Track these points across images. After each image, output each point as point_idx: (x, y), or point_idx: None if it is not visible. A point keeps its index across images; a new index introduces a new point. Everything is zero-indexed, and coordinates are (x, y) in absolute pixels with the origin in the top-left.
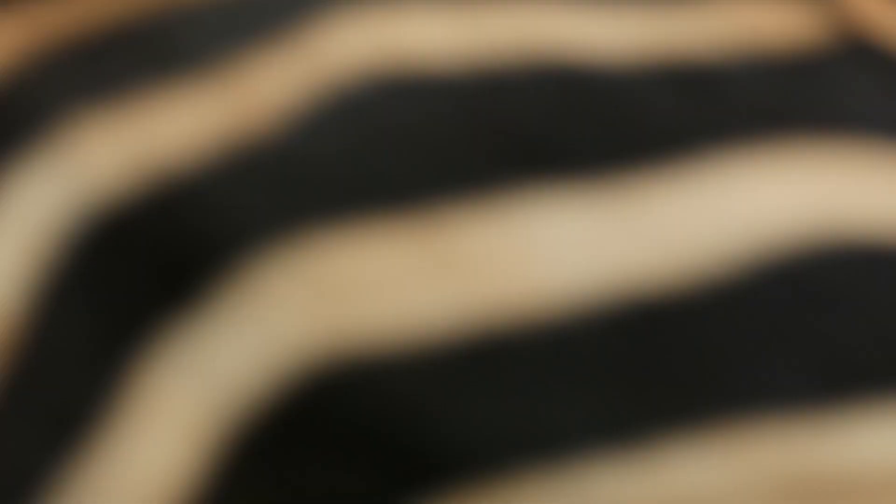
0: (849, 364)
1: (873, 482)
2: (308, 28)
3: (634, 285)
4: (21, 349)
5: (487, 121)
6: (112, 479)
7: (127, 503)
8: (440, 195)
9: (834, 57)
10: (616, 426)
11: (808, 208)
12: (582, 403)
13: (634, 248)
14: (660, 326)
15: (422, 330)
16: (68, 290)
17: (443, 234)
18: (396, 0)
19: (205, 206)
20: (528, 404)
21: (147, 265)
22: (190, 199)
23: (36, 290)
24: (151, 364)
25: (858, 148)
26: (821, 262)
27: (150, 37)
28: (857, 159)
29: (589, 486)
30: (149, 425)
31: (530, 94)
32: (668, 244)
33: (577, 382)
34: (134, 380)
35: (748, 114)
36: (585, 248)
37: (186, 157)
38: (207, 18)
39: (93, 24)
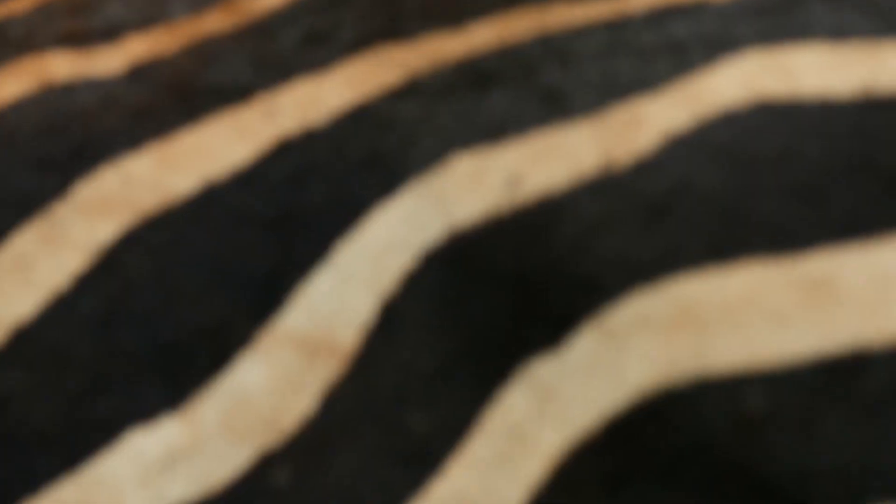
0: None
1: None
2: (695, 70)
3: None
4: (370, 357)
5: (864, 150)
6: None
7: None
8: (811, 227)
9: None
10: None
11: None
12: None
13: None
14: None
15: (787, 354)
16: (429, 311)
17: (812, 263)
18: (783, 39)
19: (581, 247)
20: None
21: (520, 300)
22: (566, 240)
23: (396, 307)
24: (519, 396)
25: None
26: None
27: (520, 77)
28: None
29: None
30: (508, 452)
31: None
32: None
33: None
34: (498, 408)
35: None
36: None
37: (559, 194)
38: (583, 62)
39: (449, 63)
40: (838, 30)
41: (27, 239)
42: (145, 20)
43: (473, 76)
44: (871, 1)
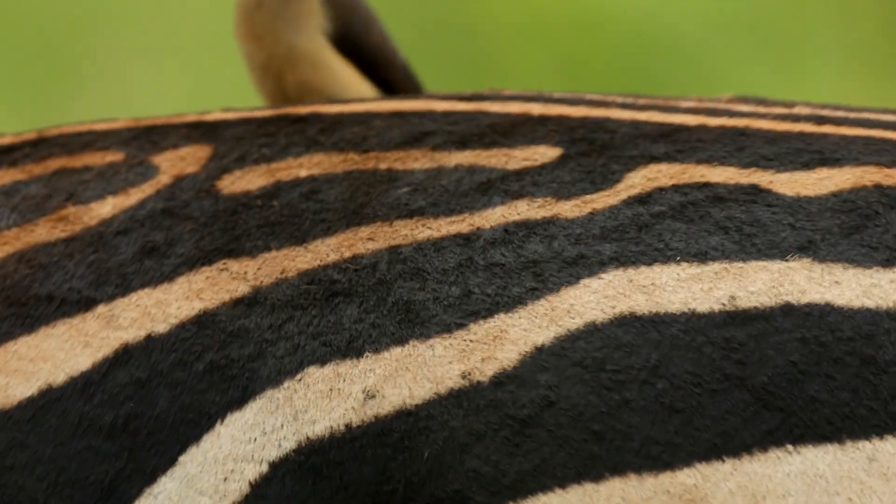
0: None
1: None
2: (556, 289)
3: None
4: None
5: (733, 365)
6: None
7: None
8: (681, 444)
9: None
10: None
11: None
12: None
13: None
14: None
15: None
16: None
17: (683, 481)
18: (643, 260)
19: (446, 464)
20: None
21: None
22: (429, 456)
23: None
24: None
25: None
26: None
27: (372, 292)
28: None
29: None
30: None
31: (775, 338)
32: None
33: None
34: None
35: None
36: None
37: (420, 409)
38: (438, 278)
39: (295, 276)
40: (699, 250)
41: None
42: None
43: (322, 289)
44: (731, 218)
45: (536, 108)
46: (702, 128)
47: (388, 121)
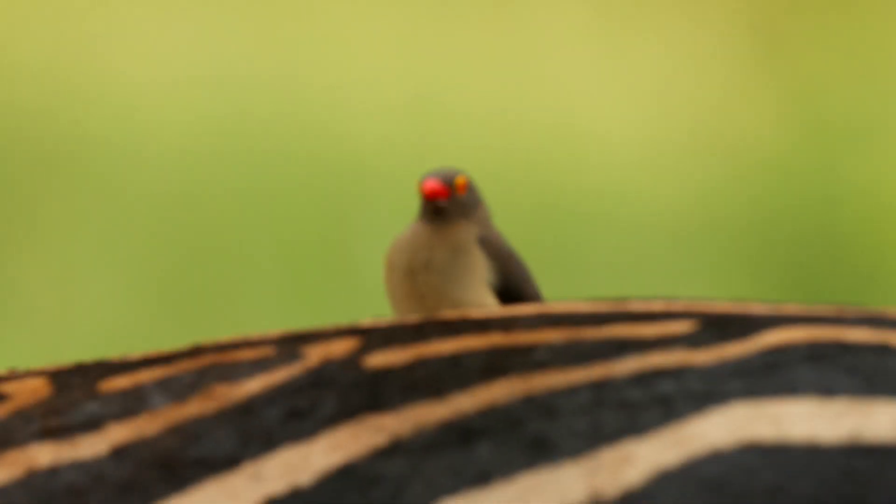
0: None
1: None
2: (683, 419)
3: None
4: None
5: (853, 491)
6: None
7: None
8: None
9: None
10: None
11: None
12: None
13: None
14: None
15: None
16: None
17: None
18: (770, 394)
19: None
20: None
21: None
22: None
23: None
24: None
25: None
26: None
27: (506, 430)
28: None
29: None
30: None
31: None
32: None
33: None
34: None
35: None
36: None
37: None
38: (569, 415)
39: (433, 424)
40: (825, 387)
41: None
42: (126, 412)
43: (458, 433)
44: (856, 362)
45: (678, 305)
46: (840, 314)
47: (533, 317)
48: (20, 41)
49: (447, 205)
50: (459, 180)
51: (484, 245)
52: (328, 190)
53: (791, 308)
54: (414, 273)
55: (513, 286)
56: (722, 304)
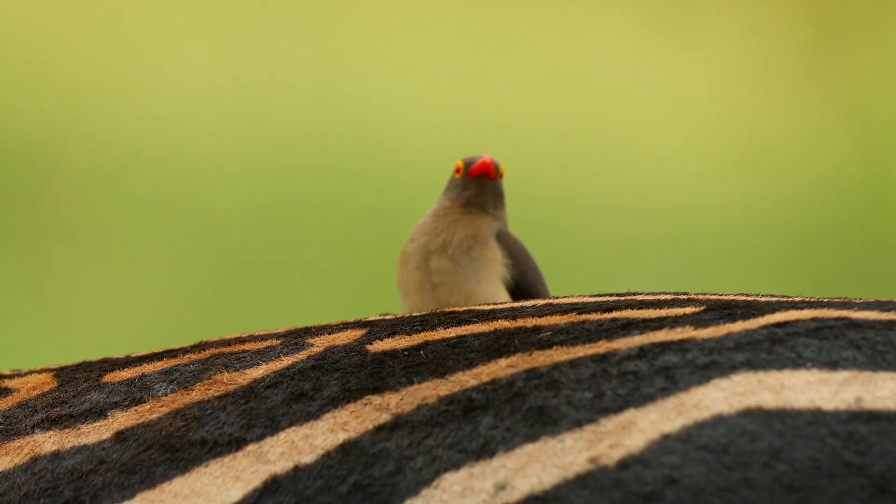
0: None
1: None
2: (686, 388)
3: None
4: None
5: (854, 455)
6: None
7: None
8: None
9: None
10: None
11: None
12: None
13: None
14: None
15: None
16: None
17: None
18: (774, 365)
19: None
20: None
21: None
22: None
23: None
24: None
25: None
26: None
27: (507, 403)
28: None
29: None
30: None
31: None
32: None
33: None
34: None
35: None
36: None
37: (547, 493)
38: (571, 387)
39: (435, 400)
40: (829, 359)
41: None
42: (131, 401)
43: (460, 407)
44: (862, 337)
45: (686, 295)
46: (848, 301)
47: (540, 306)
48: (57, 54)
49: (489, 187)
50: (502, 168)
51: (502, 240)
52: (373, 200)
53: (798, 297)
54: (429, 257)
55: (526, 286)
56: (730, 295)
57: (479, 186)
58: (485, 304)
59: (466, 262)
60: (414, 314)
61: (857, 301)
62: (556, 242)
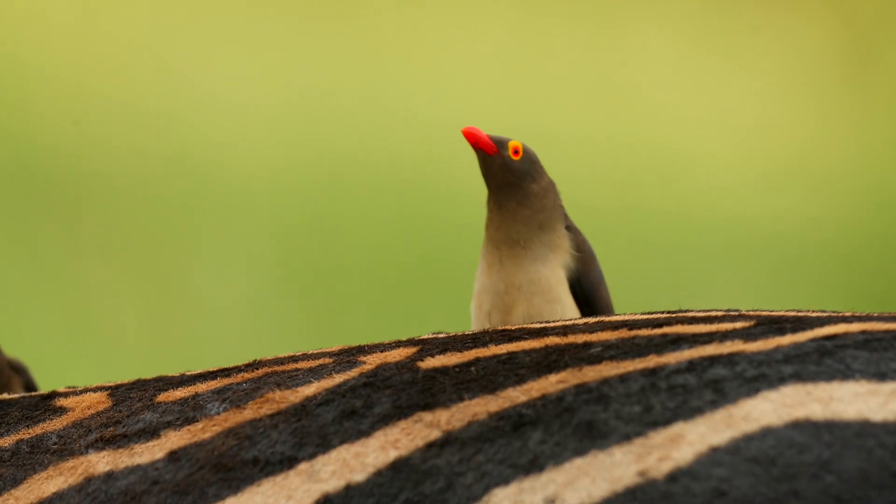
0: None
1: None
2: (735, 401)
3: None
4: None
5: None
6: None
7: None
8: None
9: None
10: None
11: None
12: None
13: None
14: None
15: None
16: None
17: None
18: (822, 377)
19: None
20: None
21: None
22: None
23: None
24: None
25: None
26: None
27: (557, 418)
28: None
29: None
30: None
31: None
32: None
33: None
34: None
35: None
36: None
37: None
38: (620, 401)
39: (485, 416)
40: (878, 371)
41: None
42: (184, 420)
43: (509, 423)
44: None
45: (737, 311)
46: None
47: (591, 324)
48: (109, 73)
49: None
50: (513, 143)
51: (571, 230)
52: (416, 216)
53: (849, 313)
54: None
55: (588, 286)
56: (781, 311)
57: (483, 163)
58: (549, 321)
59: (532, 243)
60: (463, 333)
61: None
62: (600, 253)
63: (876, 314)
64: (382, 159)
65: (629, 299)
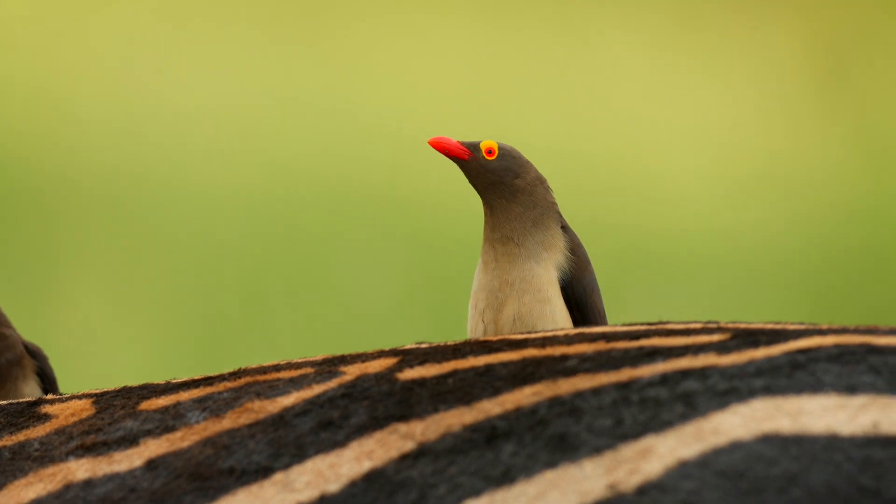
0: None
1: None
2: (706, 414)
3: None
4: None
5: (870, 481)
6: None
7: None
8: None
9: None
10: None
11: None
12: None
13: None
14: None
15: None
16: None
17: None
18: (793, 391)
19: None
20: None
21: None
22: None
23: None
24: None
25: None
26: None
27: (530, 430)
28: None
29: None
30: None
31: None
32: None
33: None
34: None
35: None
36: None
37: None
38: (593, 414)
39: (459, 428)
40: (848, 384)
41: None
42: (164, 428)
43: (483, 435)
44: (882, 362)
45: (715, 323)
46: (875, 328)
47: (570, 335)
48: (76, 81)
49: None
50: (486, 143)
51: (567, 231)
52: (401, 227)
53: (826, 325)
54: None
55: (581, 291)
56: (759, 323)
57: (463, 169)
58: (530, 332)
59: (526, 241)
60: (448, 343)
61: (883, 328)
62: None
63: (853, 327)
64: (358, 168)
65: (610, 311)
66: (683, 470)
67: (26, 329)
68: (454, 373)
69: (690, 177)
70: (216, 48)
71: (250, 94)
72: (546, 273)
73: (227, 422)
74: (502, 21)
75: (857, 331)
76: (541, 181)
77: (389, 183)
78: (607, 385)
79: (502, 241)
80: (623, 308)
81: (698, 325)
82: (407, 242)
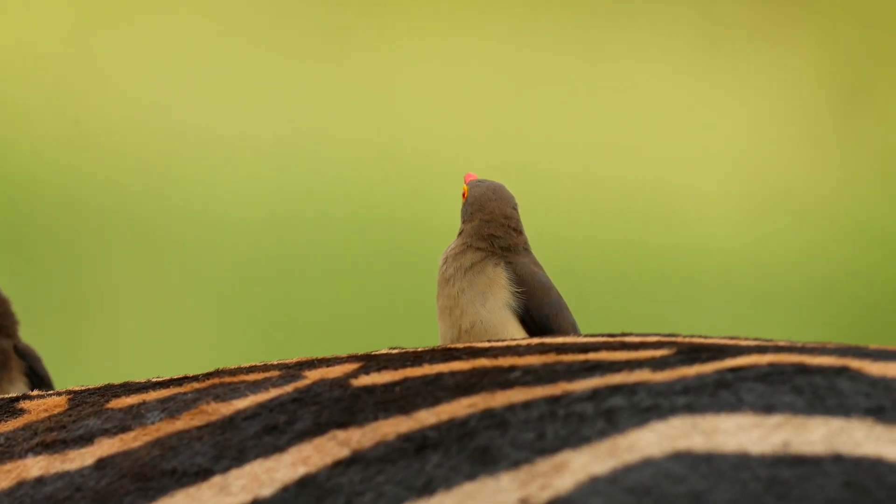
0: None
1: None
2: (624, 431)
3: None
4: None
5: (777, 501)
6: None
7: None
8: None
9: None
10: None
11: None
12: None
13: None
14: None
15: None
16: None
17: None
18: (711, 410)
19: None
20: None
21: None
22: None
23: None
24: None
25: None
26: None
27: (457, 442)
28: None
29: None
30: None
31: (820, 480)
32: None
33: None
34: None
35: None
36: None
37: None
38: (518, 427)
39: (393, 437)
40: (766, 404)
41: None
42: (120, 428)
43: (414, 445)
44: (806, 382)
45: (671, 338)
46: (824, 346)
47: (528, 346)
48: (103, 103)
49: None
50: (464, 187)
51: (512, 268)
52: (418, 252)
53: (782, 342)
54: (441, 287)
55: (541, 318)
56: (716, 338)
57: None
58: (497, 340)
59: (468, 289)
60: (412, 349)
61: (830, 346)
62: (592, 285)
63: (802, 344)
64: (383, 193)
65: (619, 329)
66: (594, 486)
67: (65, 344)
68: (404, 381)
69: (712, 198)
70: (243, 74)
71: (273, 119)
72: (494, 316)
73: (181, 423)
74: (523, 43)
75: (803, 350)
76: (496, 220)
77: (414, 208)
78: (539, 399)
79: (449, 290)
80: (642, 327)
81: (654, 339)
82: (432, 265)
